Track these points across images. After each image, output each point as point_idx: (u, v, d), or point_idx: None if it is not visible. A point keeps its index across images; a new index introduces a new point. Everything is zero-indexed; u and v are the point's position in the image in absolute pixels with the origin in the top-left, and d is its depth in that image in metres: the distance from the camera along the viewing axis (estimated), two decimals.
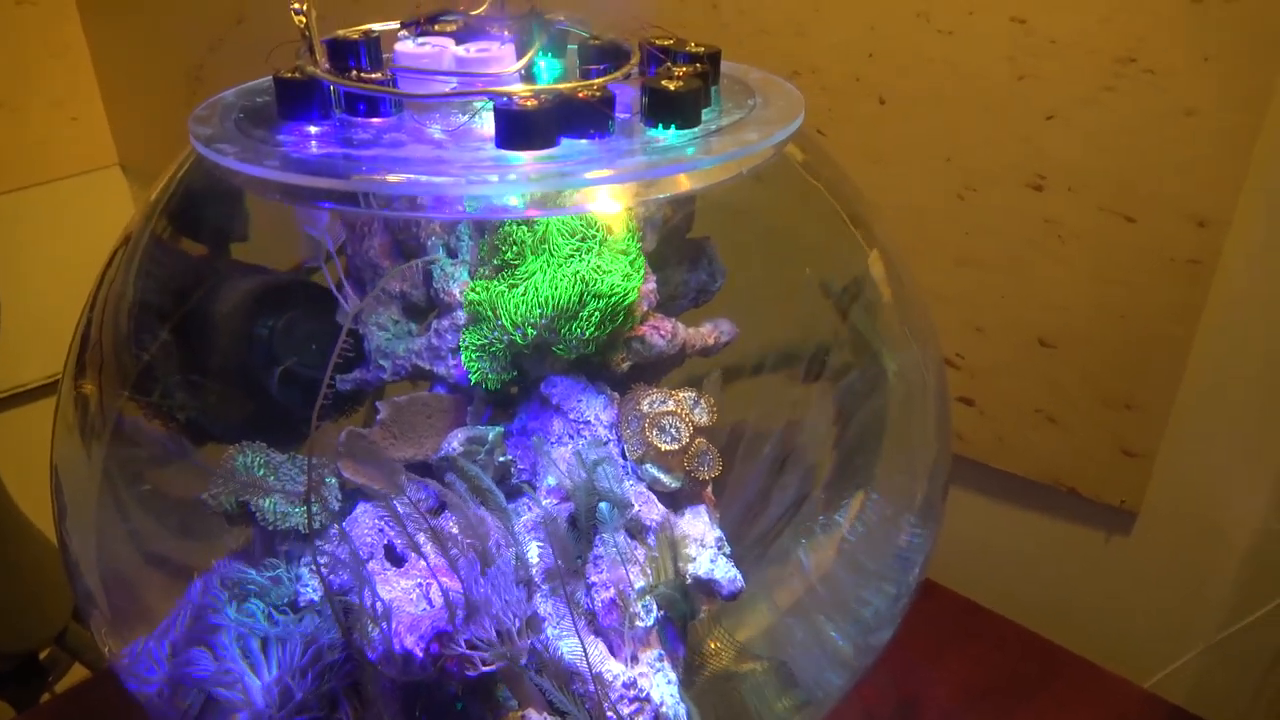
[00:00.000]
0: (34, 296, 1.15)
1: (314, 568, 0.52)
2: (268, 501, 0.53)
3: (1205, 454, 0.72)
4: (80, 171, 1.47)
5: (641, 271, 0.52)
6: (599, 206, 0.44)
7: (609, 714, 0.47)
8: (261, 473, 0.54)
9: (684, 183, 0.41)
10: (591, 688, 0.47)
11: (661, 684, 0.49)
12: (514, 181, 0.38)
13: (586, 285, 0.49)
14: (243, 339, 0.55)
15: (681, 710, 0.49)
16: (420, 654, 0.47)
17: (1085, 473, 0.77)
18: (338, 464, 0.55)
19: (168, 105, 1.36)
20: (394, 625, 0.48)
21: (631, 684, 0.48)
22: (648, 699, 0.48)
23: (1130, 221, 0.69)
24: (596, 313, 0.49)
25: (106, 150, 1.49)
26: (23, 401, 1.41)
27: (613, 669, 0.48)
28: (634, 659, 0.49)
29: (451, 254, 0.54)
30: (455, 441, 0.53)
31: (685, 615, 0.53)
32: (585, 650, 0.48)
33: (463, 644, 0.46)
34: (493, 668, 0.47)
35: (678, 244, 0.57)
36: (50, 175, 1.44)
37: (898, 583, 0.57)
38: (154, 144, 1.44)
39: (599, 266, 0.49)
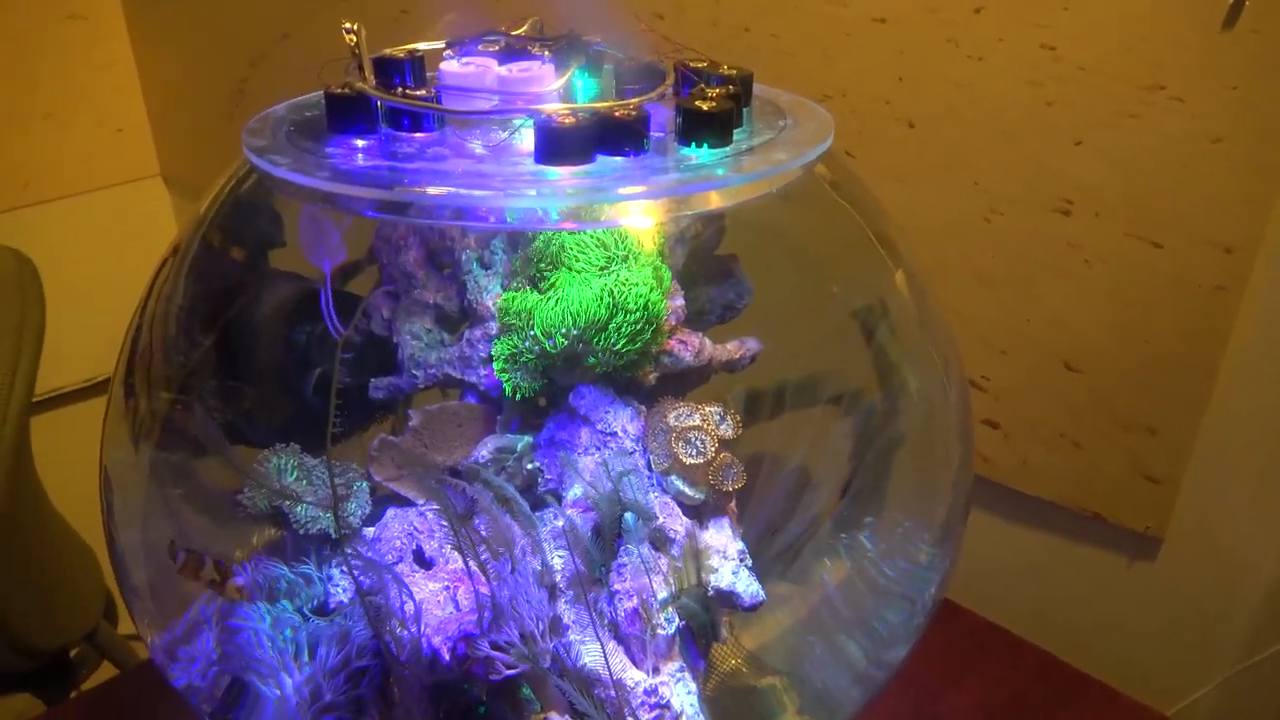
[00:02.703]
0: (75, 302, 1.18)
1: (345, 569, 0.53)
2: (300, 505, 0.54)
3: (1231, 481, 0.72)
4: (123, 181, 1.51)
5: (668, 287, 0.53)
6: (633, 221, 0.45)
7: (629, 719, 0.48)
8: (294, 475, 0.56)
9: (715, 200, 0.42)
10: (613, 693, 0.48)
11: (682, 693, 0.50)
12: (551, 195, 0.40)
13: (615, 299, 0.50)
14: (282, 344, 0.57)
15: None
16: (447, 655, 0.48)
17: (1109, 498, 0.77)
18: (369, 469, 0.56)
19: (211, 118, 1.39)
20: (422, 627, 0.49)
21: (652, 691, 0.49)
22: (668, 706, 0.49)
23: (1156, 247, 0.69)
24: (625, 325, 0.51)
25: (149, 161, 1.53)
26: (62, 404, 1.44)
27: (634, 676, 0.49)
28: (655, 670, 0.50)
29: (485, 266, 0.56)
30: (485, 450, 0.54)
31: (707, 626, 0.54)
32: (606, 656, 0.49)
33: (487, 646, 0.47)
34: (516, 670, 0.48)
35: (706, 261, 0.58)
36: (94, 185, 1.48)
37: (916, 602, 0.58)
38: (196, 156, 1.48)
39: (628, 280, 0.50)
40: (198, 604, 0.51)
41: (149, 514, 0.54)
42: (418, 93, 0.43)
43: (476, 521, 0.52)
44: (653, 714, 0.48)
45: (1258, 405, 0.70)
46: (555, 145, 0.40)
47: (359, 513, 0.55)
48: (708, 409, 0.53)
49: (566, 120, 0.40)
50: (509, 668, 0.47)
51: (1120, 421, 0.74)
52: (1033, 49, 0.70)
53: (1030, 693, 0.73)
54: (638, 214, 0.41)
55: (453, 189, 0.39)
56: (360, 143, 0.43)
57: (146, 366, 0.53)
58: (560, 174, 0.40)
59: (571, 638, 0.49)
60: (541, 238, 0.53)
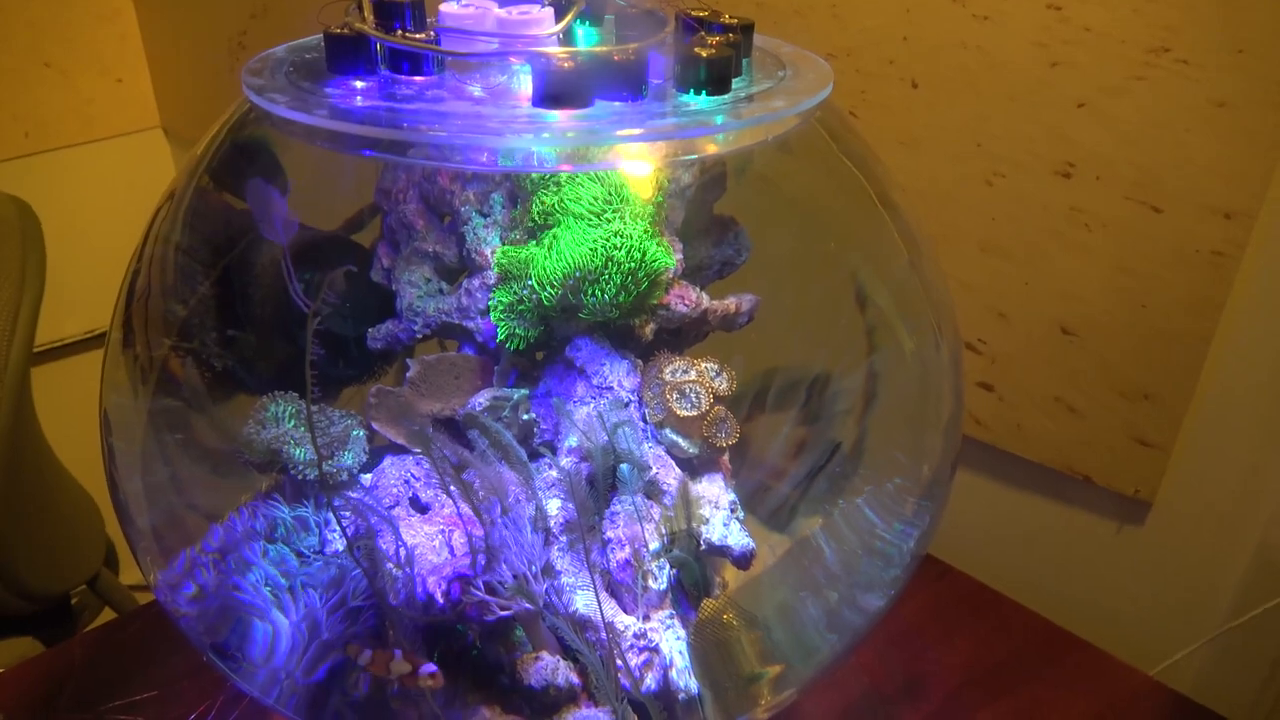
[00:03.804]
0: (75, 254, 1.18)
1: (337, 514, 0.54)
2: (299, 451, 0.55)
3: (1222, 447, 0.73)
4: (124, 133, 1.50)
5: (664, 242, 0.53)
6: (630, 166, 0.45)
7: (619, 661, 0.49)
8: (291, 423, 0.56)
9: (712, 146, 0.42)
10: (604, 635, 0.49)
11: (671, 639, 0.51)
12: (548, 138, 0.40)
13: (609, 250, 0.50)
14: (280, 291, 0.57)
15: (688, 672, 0.50)
16: (441, 598, 0.49)
17: (1101, 461, 0.77)
18: (367, 417, 0.57)
19: (210, 71, 1.38)
20: (416, 570, 0.50)
21: (642, 634, 0.49)
22: (656, 650, 0.50)
23: (1156, 211, 0.69)
24: (618, 276, 0.51)
25: (149, 113, 1.52)
26: (63, 355, 1.44)
27: (624, 620, 0.50)
28: (646, 616, 0.51)
29: (484, 216, 0.56)
30: (481, 399, 0.55)
31: (698, 579, 0.54)
32: (599, 600, 0.49)
33: (481, 587, 0.48)
34: (509, 612, 0.48)
35: (705, 217, 0.59)
36: (95, 135, 1.48)
37: (897, 556, 0.58)
38: (196, 108, 1.47)
39: (620, 232, 0.51)
40: (200, 541, 0.52)
41: (148, 454, 0.54)
42: (417, 35, 0.42)
43: (470, 473, 0.53)
44: (642, 657, 0.49)
45: (1253, 371, 0.70)
46: (554, 89, 0.40)
47: (356, 461, 0.56)
48: (704, 364, 0.54)
49: (565, 64, 0.40)
50: (502, 609, 0.48)
51: (1116, 386, 0.75)
52: (1039, 9, 0.70)
53: (1018, 653, 0.74)
54: (634, 157, 0.41)
55: (451, 130, 0.39)
56: (359, 84, 0.43)
57: (144, 312, 0.53)
58: (558, 117, 0.40)
59: (564, 581, 0.50)
60: (539, 196, 0.53)
